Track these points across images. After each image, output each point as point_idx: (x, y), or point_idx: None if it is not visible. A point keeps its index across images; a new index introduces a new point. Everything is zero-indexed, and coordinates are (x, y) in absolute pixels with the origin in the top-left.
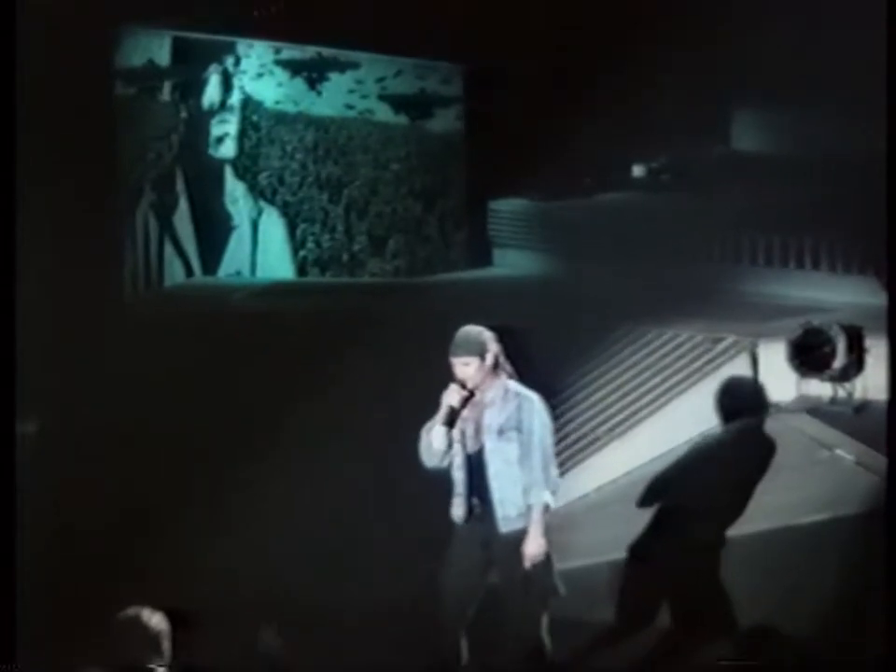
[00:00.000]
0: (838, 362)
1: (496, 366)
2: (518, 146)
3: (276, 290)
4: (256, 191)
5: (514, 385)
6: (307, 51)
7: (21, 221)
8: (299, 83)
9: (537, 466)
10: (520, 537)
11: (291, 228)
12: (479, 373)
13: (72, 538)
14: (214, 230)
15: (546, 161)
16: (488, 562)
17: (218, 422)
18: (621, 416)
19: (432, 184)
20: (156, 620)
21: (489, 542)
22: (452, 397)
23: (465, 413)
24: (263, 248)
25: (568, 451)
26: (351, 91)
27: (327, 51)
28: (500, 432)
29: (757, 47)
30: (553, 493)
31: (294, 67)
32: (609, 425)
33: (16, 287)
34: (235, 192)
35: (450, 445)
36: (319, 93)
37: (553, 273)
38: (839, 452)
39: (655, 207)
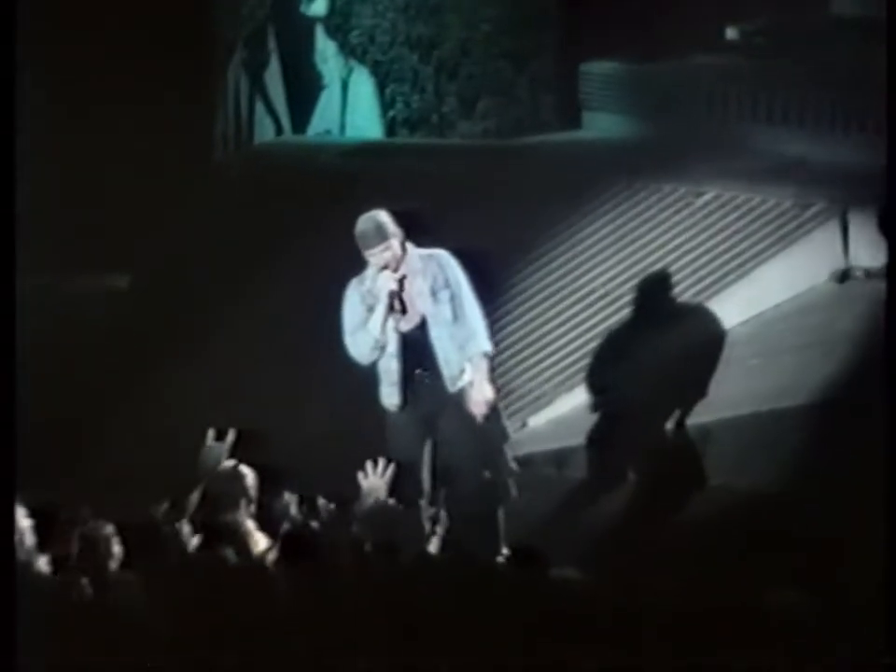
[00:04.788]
0: None
1: (402, 243)
2: (610, 7)
3: (365, 150)
4: (346, 50)
5: (420, 250)
6: None
7: (109, 80)
8: None
9: (471, 316)
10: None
11: (381, 88)
12: (396, 254)
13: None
14: (304, 88)
15: (638, 23)
16: (426, 433)
17: (305, 276)
18: (708, 280)
19: (524, 45)
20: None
21: (431, 414)
22: (388, 282)
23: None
24: (352, 108)
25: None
26: None
27: None
28: (433, 294)
29: None
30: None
31: None
32: (696, 289)
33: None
34: (326, 51)
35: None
36: None
37: (643, 136)
38: None
39: (749, 71)
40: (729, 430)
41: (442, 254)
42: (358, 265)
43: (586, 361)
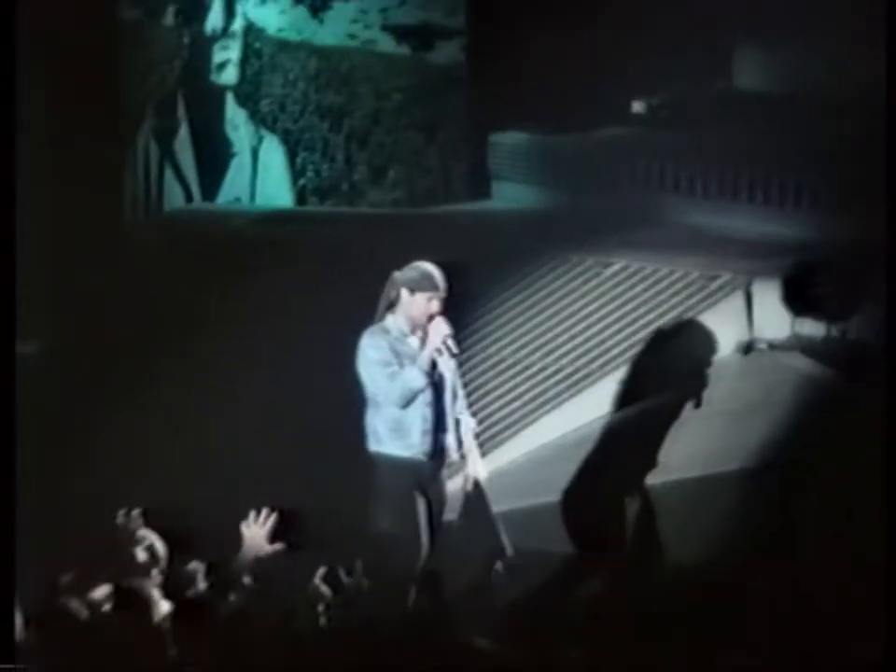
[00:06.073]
0: (832, 301)
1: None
2: (519, 79)
3: (276, 218)
4: (257, 119)
5: None
6: None
7: (19, 143)
8: (301, 11)
9: (461, 392)
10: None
11: (291, 156)
12: (441, 306)
13: (66, 456)
14: (214, 156)
15: (547, 95)
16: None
17: (214, 346)
18: (615, 351)
19: (433, 116)
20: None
21: (429, 478)
22: (443, 327)
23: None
24: (263, 176)
25: (561, 385)
26: (354, 21)
27: None
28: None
29: None
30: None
31: None
32: (602, 360)
33: (15, 208)
34: (236, 119)
35: None
36: (322, 22)
37: (551, 207)
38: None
39: (654, 144)
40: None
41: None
42: (269, 331)
43: (495, 430)
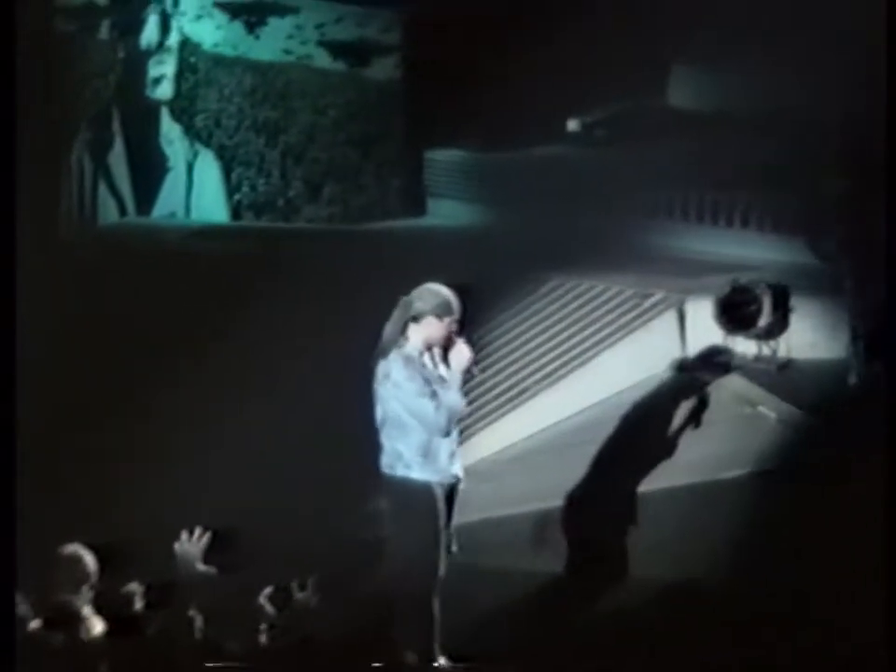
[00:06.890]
0: (763, 320)
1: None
2: (455, 97)
3: (210, 233)
4: (192, 133)
5: None
6: None
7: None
8: (238, 26)
9: None
10: None
11: (227, 171)
12: (456, 328)
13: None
14: (149, 170)
15: (483, 112)
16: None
17: (150, 361)
18: (550, 367)
19: (369, 132)
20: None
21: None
22: (467, 351)
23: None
24: (198, 191)
25: (497, 400)
26: (290, 37)
27: None
28: None
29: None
30: None
31: (233, 10)
32: (538, 376)
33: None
34: (171, 134)
35: None
36: (258, 37)
37: (487, 224)
38: (761, 408)
39: (589, 161)
40: None
41: None
42: (205, 344)
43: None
